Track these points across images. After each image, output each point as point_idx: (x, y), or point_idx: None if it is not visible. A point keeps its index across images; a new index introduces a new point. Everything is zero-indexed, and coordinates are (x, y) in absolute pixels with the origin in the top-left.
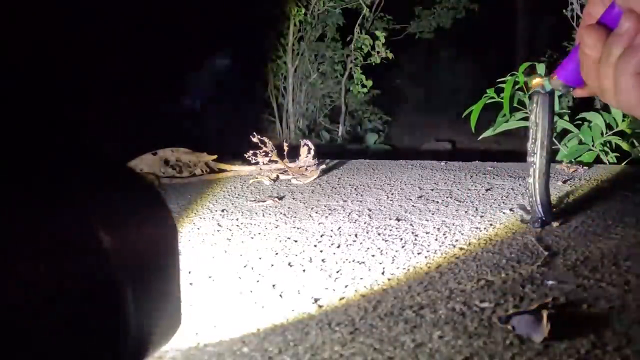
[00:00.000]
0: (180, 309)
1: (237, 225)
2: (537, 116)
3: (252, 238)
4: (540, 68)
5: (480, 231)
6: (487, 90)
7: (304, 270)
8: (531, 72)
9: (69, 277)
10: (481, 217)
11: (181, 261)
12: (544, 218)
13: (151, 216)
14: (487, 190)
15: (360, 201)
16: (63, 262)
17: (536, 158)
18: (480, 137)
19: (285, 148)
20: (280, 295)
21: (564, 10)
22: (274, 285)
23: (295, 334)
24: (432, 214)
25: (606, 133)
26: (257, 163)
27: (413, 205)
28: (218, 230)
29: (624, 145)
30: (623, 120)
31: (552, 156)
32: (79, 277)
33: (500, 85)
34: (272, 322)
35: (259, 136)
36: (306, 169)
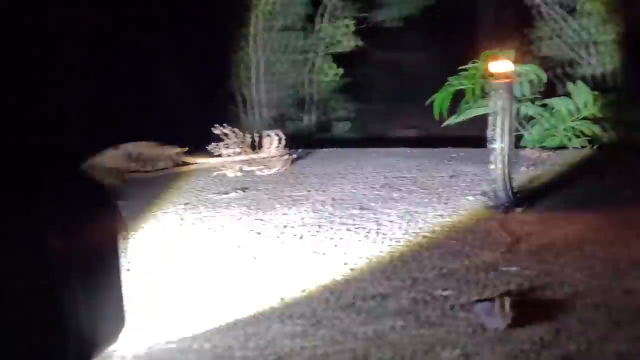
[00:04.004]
0: (124, 310)
1: (200, 219)
2: (497, 103)
3: (214, 232)
4: (508, 55)
5: (444, 218)
6: (450, 78)
7: (267, 263)
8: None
9: (10, 276)
10: (445, 204)
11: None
12: (507, 204)
13: (98, 217)
14: (451, 176)
15: (325, 191)
16: (4, 261)
17: (497, 144)
18: (444, 123)
19: (250, 139)
20: (243, 290)
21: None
22: (236, 280)
23: (257, 328)
24: (396, 202)
25: (571, 118)
26: (221, 155)
27: (377, 194)
28: (181, 224)
29: (592, 130)
30: (587, 106)
31: (513, 142)
32: (20, 276)
33: (463, 72)
34: (234, 318)
35: (223, 128)
36: (271, 160)
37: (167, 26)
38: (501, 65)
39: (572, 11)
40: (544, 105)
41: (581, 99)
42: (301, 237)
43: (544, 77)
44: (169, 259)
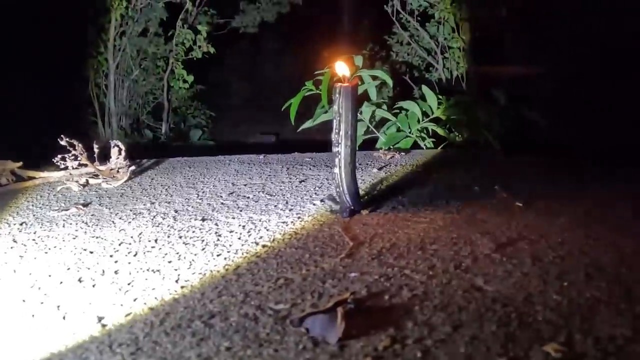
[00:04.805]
0: None
1: (34, 240)
2: (340, 107)
3: (46, 253)
4: (358, 60)
5: (287, 225)
6: (306, 83)
7: (93, 286)
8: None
9: None
10: (290, 210)
11: None
12: (352, 207)
13: None
14: (301, 181)
15: (169, 202)
16: None
17: (341, 148)
18: (300, 128)
19: (96, 150)
20: (64, 317)
21: (385, 6)
22: (58, 306)
23: None
24: (241, 210)
25: (422, 120)
26: (66, 168)
27: (222, 203)
28: (12, 247)
29: (440, 131)
30: (438, 108)
31: (356, 144)
32: None
33: (319, 77)
34: (49, 351)
35: (67, 138)
36: (117, 171)
37: (16, 28)
38: (340, 69)
39: (428, 20)
40: (400, 108)
41: (432, 102)
42: (135, 254)
43: (390, 81)
44: None
